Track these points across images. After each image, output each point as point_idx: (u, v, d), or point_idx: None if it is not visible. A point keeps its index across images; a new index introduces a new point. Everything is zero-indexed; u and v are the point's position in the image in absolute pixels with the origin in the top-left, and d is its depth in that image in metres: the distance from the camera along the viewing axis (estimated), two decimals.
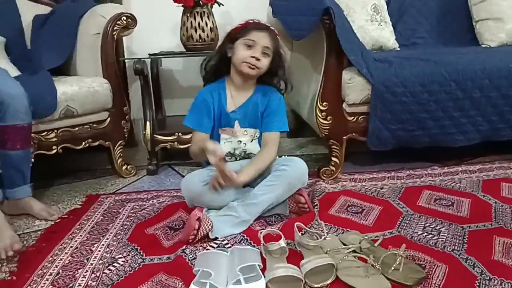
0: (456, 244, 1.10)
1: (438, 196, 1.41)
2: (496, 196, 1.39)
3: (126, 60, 2.02)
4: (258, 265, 1.02)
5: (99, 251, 1.16)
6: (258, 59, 1.27)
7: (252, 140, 1.38)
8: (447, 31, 2.06)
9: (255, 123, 1.38)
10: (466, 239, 1.13)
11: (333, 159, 1.63)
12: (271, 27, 1.33)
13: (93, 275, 1.04)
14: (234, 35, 1.31)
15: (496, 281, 0.95)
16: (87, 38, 1.70)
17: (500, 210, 1.29)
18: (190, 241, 1.15)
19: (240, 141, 1.38)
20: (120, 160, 1.76)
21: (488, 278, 0.96)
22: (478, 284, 0.94)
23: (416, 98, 1.50)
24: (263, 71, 1.32)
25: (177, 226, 1.28)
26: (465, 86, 1.50)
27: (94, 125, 1.65)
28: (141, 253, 1.14)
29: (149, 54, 1.89)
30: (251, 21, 1.32)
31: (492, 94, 1.53)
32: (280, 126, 1.37)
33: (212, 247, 1.14)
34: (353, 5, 1.88)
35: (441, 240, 1.12)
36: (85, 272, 1.06)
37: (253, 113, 1.37)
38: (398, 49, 1.95)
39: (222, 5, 1.83)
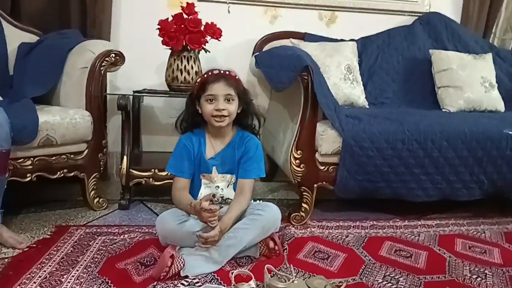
0: None
1: (398, 248, 1.50)
2: (451, 250, 1.49)
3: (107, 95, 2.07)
4: None
5: (69, 282, 1.16)
6: (223, 109, 1.34)
7: (228, 185, 1.44)
8: (412, 93, 2.25)
9: (232, 169, 1.44)
10: None
11: (304, 205, 1.71)
12: (227, 72, 1.39)
13: None
14: (197, 93, 1.39)
15: None
16: (74, 71, 1.74)
17: (454, 263, 1.39)
18: (162, 277, 1.17)
19: (218, 187, 1.43)
20: (93, 192, 1.76)
21: None
22: None
23: (381, 153, 1.62)
24: (233, 116, 1.40)
25: (148, 262, 1.29)
26: (426, 146, 1.65)
27: (72, 155, 1.66)
28: (112, 287, 1.14)
29: (133, 91, 1.95)
30: (206, 74, 1.38)
31: (449, 155, 1.68)
32: (257, 173, 1.43)
33: (183, 284, 1.16)
34: (328, 64, 2.04)
35: None
36: None
37: (230, 159, 1.44)
38: (367, 107, 2.11)
39: (209, 51, 1.94)
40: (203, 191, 1.43)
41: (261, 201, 1.47)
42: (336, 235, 1.58)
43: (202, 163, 1.43)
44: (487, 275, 1.32)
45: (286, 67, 1.60)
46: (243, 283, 1.12)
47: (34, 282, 1.14)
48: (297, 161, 1.66)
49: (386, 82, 2.25)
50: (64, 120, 1.59)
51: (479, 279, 1.29)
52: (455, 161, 1.70)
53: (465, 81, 2.15)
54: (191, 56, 1.90)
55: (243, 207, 1.38)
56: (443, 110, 2.16)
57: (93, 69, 1.71)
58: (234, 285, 1.12)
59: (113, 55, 1.75)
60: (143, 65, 2.17)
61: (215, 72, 1.38)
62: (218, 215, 1.25)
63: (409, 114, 1.84)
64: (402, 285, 1.23)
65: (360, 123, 1.65)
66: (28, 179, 1.54)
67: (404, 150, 1.64)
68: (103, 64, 1.73)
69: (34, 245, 1.39)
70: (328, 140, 1.63)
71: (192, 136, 1.45)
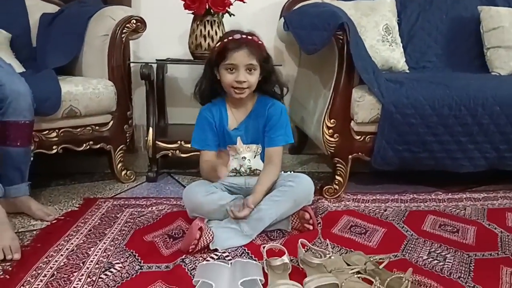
0: (463, 271, 1.08)
1: (443, 222, 1.38)
2: (502, 225, 1.36)
3: (131, 65, 2.01)
4: (260, 279, 0.98)
5: (96, 255, 1.13)
6: (244, 81, 1.25)
7: (255, 156, 1.36)
8: (457, 56, 2.06)
9: (257, 139, 1.36)
10: (473, 267, 1.10)
11: (337, 177, 1.61)
12: (250, 36, 1.27)
13: (88, 279, 1.01)
14: (215, 59, 1.27)
15: None
16: (95, 40, 1.69)
17: (506, 240, 1.26)
18: (190, 250, 1.12)
19: (244, 158, 1.35)
20: (120, 165, 1.73)
21: None
22: None
23: (425, 120, 1.48)
24: (254, 87, 1.30)
25: (176, 235, 1.25)
26: (475, 112, 1.49)
27: (97, 127, 1.63)
28: (139, 260, 1.10)
29: (156, 60, 1.87)
30: (227, 39, 1.26)
31: (502, 122, 1.52)
32: (284, 139, 1.35)
33: (212, 258, 1.11)
34: (364, 24, 1.88)
35: (447, 267, 1.09)
36: (81, 276, 1.02)
37: (254, 128, 1.35)
38: (408, 71, 1.95)
39: (233, 15, 1.83)
40: (231, 163, 1.36)
41: (292, 172, 1.38)
42: (373, 209, 1.48)
43: (226, 134, 1.35)
44: None
45: (318, 26, 1.46)
46: (276, 257, 1.04)
47: (61, 255, 1.12)
48: (330, 130, 1.55)
49: (428, 44, 2.05)
50: (87, 90, 1.54)
51: None
52: (508, 128, 1.53)
53: None
54: (214, 21, 1.79)
55: (274, 177, 1.30)
56: (493, 73, 1.96)
57: (114, 36, 1.64)
58: (266, 259, 1.05)
59: (134, 21, 1.67)
60: (166, 33, 2.09)
61: (237, 37, 1.25)
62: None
63: (455, 77, 1.67)
64: (450, 262, 1.12)
65: (402, 87, 1.50)
66: (54, 151, 1.51)
67: (450, 117, 1.49)
68: (124, 31, 1.66)
69: (62, 218, 1.37)
70: (365, 107, 1.50)
71: (212, 107, 1.36)
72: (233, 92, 1.28)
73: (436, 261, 1.12)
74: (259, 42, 1.29)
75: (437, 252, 1.18)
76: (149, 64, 1.74)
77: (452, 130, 1.51)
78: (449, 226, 1.35)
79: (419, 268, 1.08)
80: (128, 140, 1.76)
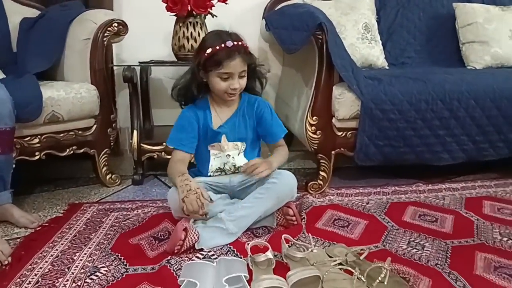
0: (440, 258, 1.11)
1: (422, 212, 1.42)
2: (478, 213, 1.41)
3: (114, 68, 2.00)
4: (245, 276, 1.00)
5: (81, 260, 1.13)
6: (238, 88, 1.27)
7: (239, 153, 1.38)
8: (435, 52, 2.11)
9: (243, 137, 1.37)
10: (449, 254, 1.14)
11: (321, 173, 1.64)
12: (241, 44, 1.25)
13: (74, 285, 1.01)
14: (205, 64, 1.25)
15: None
16: (77, 43, 1.69)
17: (482, 227, 1.31)
18: (176, 251, 1.13)
19: (229, 155, 1.37)
20: (104, 169, 1.73)
21: None
22: None
23: (404, 115, 1.52)
24: (243, 88, 1.32)
25: (162, 237, 1.26)
26: (451, 106, 1.54)
27: (80, 132, 1.62)
28: (125, 263, 1.11)
29: (139, 62, 1.88)
30: (219, 46, 1.22)
31: (477, 115, 1.57)
32: (283, 130, 1.40)
33: (198, 258, 1.12)
34: (344, 23, 1.91)
35: (425, 255, 1.13)
36: (66, 281, 1.02)
37: (240, 126, 1.36)
38: (387, 68, 1.99)
39: (216, 16, 1.84)
40: (213, 163, 1.37)
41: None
42: (356, 202, 1.51)
43: (210, 133, 1.35)
44: None
45: (298, 27, 1.49)
46: (260, 254, 1.06)
47: (46, 261, 1.12)
48: (313, 127, 1.58)
49: (407, 40, 2.10)
50: (69, 95, 1.53)
51: (510, 241, 1.21)
52: (483, 121, 1.59)
53: (492, 35, 1.99)
54: (197, 22, 1.80)
55: (286, 155, 1.40)
56: (468, 67, 2.01)
57: (95, 39, 1.64)
58: (250, 256, 1.07)
59: (116, 24, 1.68)
60: (149, 35, 2.10)
61: (229, 44, 1.22)
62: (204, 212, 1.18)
63: (432, 73, 1.71)
64: (428, 250, 1.16)
65: (380, 84, 1.54)
66: (37, 157, 1.50)
67: (428, 111, 1.53)
68: (105, 34, 1.66)
69: (47, 224, 1.37)
70: (345, 104, 1.53)
71: (195, 109, 1.36)
72: (226, 96, 1.29)
73: (415, 250, 1.16)
74: (246, 46, 1.30)
75: (416, 241, 1.21)
76: (132, 66, 1.74)
77: (430, 124, 1.55)
78: (428, 216, 1.39)
79: (399, 257, 1.12)
80: (112, 144, 1.75)
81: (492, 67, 1.97)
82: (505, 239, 1.22)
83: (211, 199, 1.20)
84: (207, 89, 1.34)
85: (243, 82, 1.29)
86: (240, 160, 1.38)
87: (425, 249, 1.17)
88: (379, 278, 0.97)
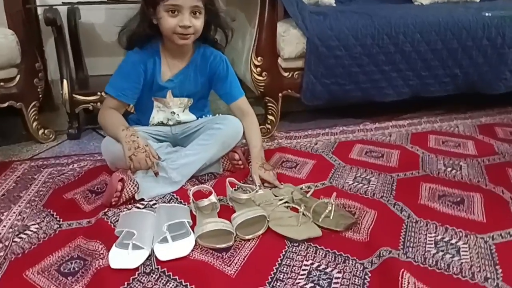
0: (385, 191, 1.12)
1: (369, 149, 1.42)
2: (424, 147, 1.43)
3: (38, 11, 1.78)
4: (188, 222, 0.96)
5: (9, 219, 1.03)
6: (189, 26, 1.10)
7: (184, 110, 1.28)
8: None
9: (192, 94, 1.26)
10: (395, 186, 1.15)
11: (269, 117, 1.59)
12: None
13: (0, 245, 0.92)
14: None
15: (422, 223, 0.98)
16: None
17: (427, 159, 1.33)
18: (113, 203, 1.06)
19: (174, 112, 1.27)
20: (35, 123, 1.57)
21: (414, 220, 0.99)
22: (405, 226, 0.97)
23: (349, 52, 1.48)
24: (199, 34, 1.16)
25: (99, 190, 1.18)
26: (397, 40, 1.51)
27: (2, 83, 1.45)
28: (58, 219, 1.03)
29: (62, 2, 1.67)
30: None
31: (422, 49, 1.56)
32: (239, 92, 1.28)
33: (139, 208, 1.06)
34: None
35: (371, 189, 1.14)
36: None
37: (190, 81, 1.24)
38: (334, 5, 1.91)
39: None
40: (156, 115, 1.27)
41: (219, 114, 1.33)
42: (304, 144, 1.49)
43: (155, 86, 1.22)
44: (462, 167, 1.27)
45: None
46: (203, 199, 1.02)
47: None
48: (258, 69, 1.50)
49: None
50: None
51: (454, 171, 1.24)
52: (428, 55, 1.58)
53: None
54: None
55: (258, 127, 1.28)
56: (416, 3, 1.99)
57: None
58: (193, 202, 1.02)
59: None
60: None
61: None
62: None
63: (379, 8, 1.67)
64: (374, 184, 1.16)
65: (326, 19, 1.47)
66: None
67: (374, 46, 1.50)
68: None
69: None
70: (290, 41, 1.46)
71: (144, 55, 1.19)
72: (177, 38, 1.13)
73: (361, 185, 1.16)
74: None
75: (362, 176, 1.22)
76: (54, 7, 1.55)
77: (376, 59, 1.52)
78: (375, 152, 1.40)
79: (345, 192, 1.12)
80: (40, 96, 1.59)
81: (438, 3, 1.96)
82: (449, 169, 1.25)
83: (159, 157, 1.12)
84: (160, 36, 1.19)
85: (197, 22, 1.12)
86: (185, 117, 1.29)
87: (371, 183, 1.17)
88: (325, 213, 0.96)
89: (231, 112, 1.31)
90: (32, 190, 1.20)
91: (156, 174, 1.12)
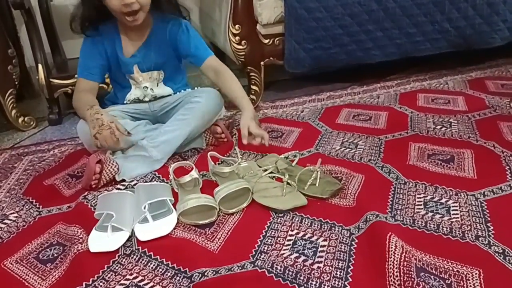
0: (373, 154, 1.09)
1: (356, 113, 1.38)
2: (413, 106, 1.39)
3: None
4: (170, 200, 0.93)
5: None
6: (132, 2, 1.04)
7: (158, 83, 1.24)
8: None
9: (159, 65, 1.21)
10: (383, 148, 1.12)
11: (253, 87, 1.54)
12: None
13: None
14: None
15: (411, 184, 0.95)
16: None
17: (416, 118, 1.30)
18: (94, 186, 1.03)
19: (146, 87, 1.22)
20: (14, 111, 1.53)
21: (403, 182, 0.96)
22: (393, 188, 0.94)
23: (331, 12, 1.42)
24: (147, 8, 1.10)
25: (79, 174, 1.14)
26: None
27: None
28: (37, 206, 1.00)
29: None
30: None
31: (407, 4, 1.49)
32: (206, 51, 1.22)
33: (119, 189, 1.03)
34: None
35: (358, 153, 1.10)
36: None
37: (156, 53, 1.19)
38: None
39: None
40: (133, 92, 1.24)
41: (198, 87, 1.28)
42: (290, 113, 1.45)
43: (121, 63, 1.19)
44: (452, 123, 1.24)
45: None
46: (185, 176, 0.98)
47: None
48: (237, 37, 1.44)
49: None
50: None
51: (443, 128, 1.21)
52: (414, 10, 1.51)
53: None
54: None
55: (235, 79, 1.21)
56: None
57: None
58: (174, 178, 0.99)
59: None
60: None
61: None
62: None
63: None
64: (361, 148, 1.13)
65: None
66: None
67: (355, 5, 1.43)
68: None
69: None
70: (268, 6, 1.39)
71: (103, 35, 1.17)
72: (125, 19, 1.08)
73: (348, 150, 1.13)
74: None
75: (349, 141, 1.18)
76: None
77: (359, 19, 1.46)
78: (362, 116, 1.36)
79: (331, 158, 1.08)
80: (17, 83, 1.54)
81: None
82: (438, 127, 1.22)
83: (128, 132, 1.08)
84: (111, 13, 1.12)
85: None
86: (161, 90, 1.24)
87: (358, 147, 1.14)
88: (310, 181, 0.93)
89: (206, 77, 1.25)
90: (12, 178, 1.17)
91: (122, 150, 1.09)
